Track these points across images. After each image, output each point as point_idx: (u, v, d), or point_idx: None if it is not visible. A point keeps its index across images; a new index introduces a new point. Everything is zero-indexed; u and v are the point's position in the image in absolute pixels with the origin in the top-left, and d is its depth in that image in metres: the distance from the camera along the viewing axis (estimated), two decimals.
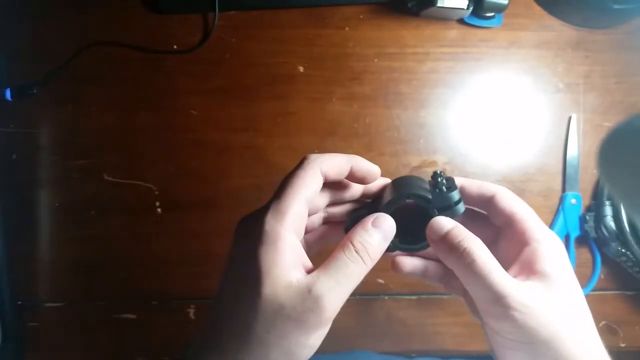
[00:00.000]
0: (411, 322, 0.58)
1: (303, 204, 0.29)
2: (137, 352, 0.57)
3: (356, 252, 0.28)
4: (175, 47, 0.59)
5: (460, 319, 0.58)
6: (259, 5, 0.59)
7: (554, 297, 0.28)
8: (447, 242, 0.29)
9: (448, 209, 0.30)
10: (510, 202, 0.32)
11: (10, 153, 0.58)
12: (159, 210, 0.58)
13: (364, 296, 0.58)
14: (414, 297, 0.58)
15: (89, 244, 0.58)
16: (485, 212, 0.34)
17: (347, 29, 0.59)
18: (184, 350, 0.29)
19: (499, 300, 0.27)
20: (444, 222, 0.30)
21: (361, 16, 0.59)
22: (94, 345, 0.57)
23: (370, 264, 0.29)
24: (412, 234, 0.32)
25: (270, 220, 0.28)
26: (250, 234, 0.28)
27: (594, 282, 0.58)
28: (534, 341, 0.27)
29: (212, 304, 0.30)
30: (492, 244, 0.33)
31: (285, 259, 0.27)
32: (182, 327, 0.57)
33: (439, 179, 0.31)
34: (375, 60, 0.59)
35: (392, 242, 0.30)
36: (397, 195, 0.30)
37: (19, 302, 0.57)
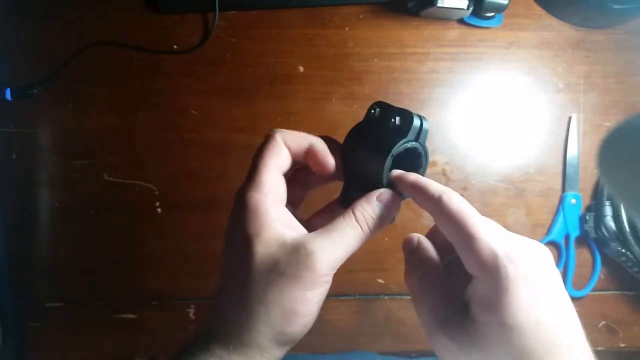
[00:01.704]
0: (411, 322, 0.58)
1: (275, 171, 0.30)
2: (137, 352, 0.57)
3: (356, 220, 0.29)
4: (175, 47, 0.59)
5: None
6: (259, 5, 0.59)
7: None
8: (443, 206, 0.28)
9: (420, 133, 0.31)
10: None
11: (10, 153, 0.58)
12: (159, 210, 0.58)
13: (364, 296, 0.58)
14: None
15: (89, 244, 0.58)
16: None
17: (347, 29, 0.59)
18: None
19: (472, 239, 0.26)
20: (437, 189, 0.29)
21: (361, 16, 0.60)
22: (94, 345, 0.57)
23: (368, 234, 0.30)
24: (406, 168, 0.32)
25: (247, 192, 0.29)
26: (234, 210, 0.30)
27: (594, 282, 0.58)
28: (493, 274, 0.25)
29: (214, 293, 0.30)
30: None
31: (273, 220, 0.28)
32: (182, 327, 0.57)
33: (392, 121, 0.31)
34: (375, 60, 0.59)
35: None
36: (384, 163, 0.30)
37: (19, 302, 0.57)
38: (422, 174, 0.32)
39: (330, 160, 0.32)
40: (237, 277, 0.29)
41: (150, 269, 0.58)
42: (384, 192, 0.30)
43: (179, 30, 0.59)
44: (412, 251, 0.31)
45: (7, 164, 0.57)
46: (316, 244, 0.27)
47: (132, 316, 0.58)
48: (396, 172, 0.31)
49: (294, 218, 0.30)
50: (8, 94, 0.56)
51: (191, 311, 0.57)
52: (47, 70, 0.57)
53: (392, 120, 0.31)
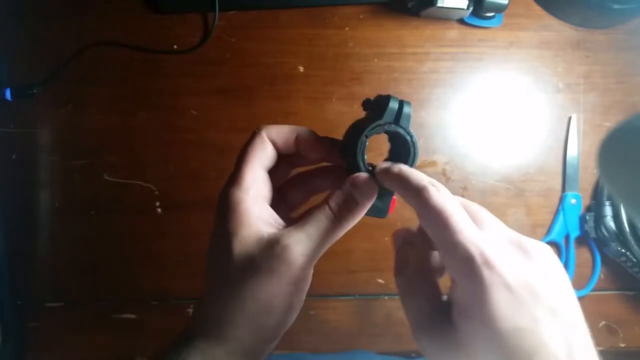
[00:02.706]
0: None
1: (258, 168, 0.30)
2: (137, 352, 0.57)
3: (330, 209, 0.29)
4: (175, 47, 0.59)
5: None
6: (259, 5, 0.59)
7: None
8: (424, 202, 0.26)
9: (400, 116, 0.30)
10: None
11: (10, 153, 0.58)
12: (159, 210, 0.58)
13: (364, 296, 0.58)
14: None
15: (89, 244, 0.58)
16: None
17: (347, 29, 0.59)
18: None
19: (451, 244, 0.25)
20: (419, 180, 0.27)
21: (361, 16, 0.59)
22: (94, 345, 0.57)
23: (345, 222, 0.29)
24: (396, 160, 0.31)
25: (229, 190, 0.29)
26: (217, 210, 0.30)
27: (594, 282, 0.58)
28: (470, 273, 0.25)
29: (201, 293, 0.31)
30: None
31: (252, 217, 0.28)
32: (182, 327, 0.57)
33: (371, 105, 0.31)
34: (375, 60, 0.59)
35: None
36: (358, 144, 0.30)
37: (19, 302, 0.57)
38: (413, 162, 0.30)
39: (319, 143, 0.32)
40: (217, 273, 0.29)
41: (150, 269, 0.58)
42: (356, 176, 0.29)
43: (179, 30, 0.59)
44: (400, 248, 0.31)
45: (7, 164, 0.57)
46: (290, 237, 0.28)
47: (132, 316, 0.58)
48: (382, 165, 0.30)
49: (276, 214, 0.30)
50: (8, 94, 0.56)
51: (191, 311, 0.57)
52: (47, 70, 0.57)
53: (370, 105, 0.31)
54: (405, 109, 0.30)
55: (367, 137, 0.30)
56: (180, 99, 0.58)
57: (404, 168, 0.29)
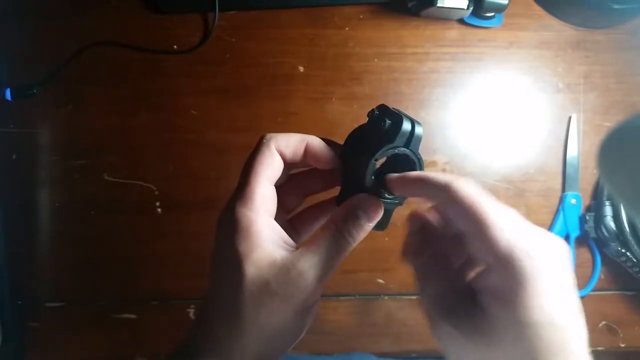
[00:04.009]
0: (411, 322, 0.58)
1: (267, 184, 0.29)
2: (137, 352, 0.57)
3: (339, 232, 0.29)
4: (175, 47, 0.59)
5: None
6: (259, 5, 0.59)
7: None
8: (452, 194, 0.27)
9: (411, 139, 0.30)
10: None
11: (10, 153, 0.58)
12: (159, 210, 0.58)
13: (364, 296, 0.58)
14: (414, 297, 0.58)
15: (89, 244, 0.58)
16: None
17: (347, 29, 0.59)
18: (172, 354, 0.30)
19: (486, 227, 0.25)
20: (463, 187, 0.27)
21: (361, 16, 0.60)
22: (94, 345, 0.57)
23: (353, 243, 0.29)
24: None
25: (238, 208, 0.28)
26: (223, 225, 0.29)
27: (594, 282, 0.58)
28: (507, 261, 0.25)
29: (201, 304, 0.30)
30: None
31: (264, 240, 0.28)
32: (182, 327, 0.57)
33: (382, 124, 0.30)
34: (375, 60, 0.59)
35: (391, 199, 0.30)
36: (368, 167, 0.30)
37: (19, 302, 0.57)
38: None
39: (329, 155, 0.31)
40: (228, 296, 0.28)
41: (150, 269, 0.58)
42: (362, 199, 0.30)
43: (179, 30, 0.59)
44: (419, 230, 0.31)
45: (7, 164, 0.57)
46: (305, 262, 0.27)
47: (132, 316, 0.58)
48: (393, 175, 0.30)
49: (283, 232, 0.30)
50: (8, 94, 0.56)
51: (191, 311, 0.57)
52: (47, 70, 0.57)
53: (383, 123, 0.30)
54: (417, 131, 0.30)
55: (376, 159, 0.30)
56: (180, 99, 0.58)
57: (421, 172, 0.29)
